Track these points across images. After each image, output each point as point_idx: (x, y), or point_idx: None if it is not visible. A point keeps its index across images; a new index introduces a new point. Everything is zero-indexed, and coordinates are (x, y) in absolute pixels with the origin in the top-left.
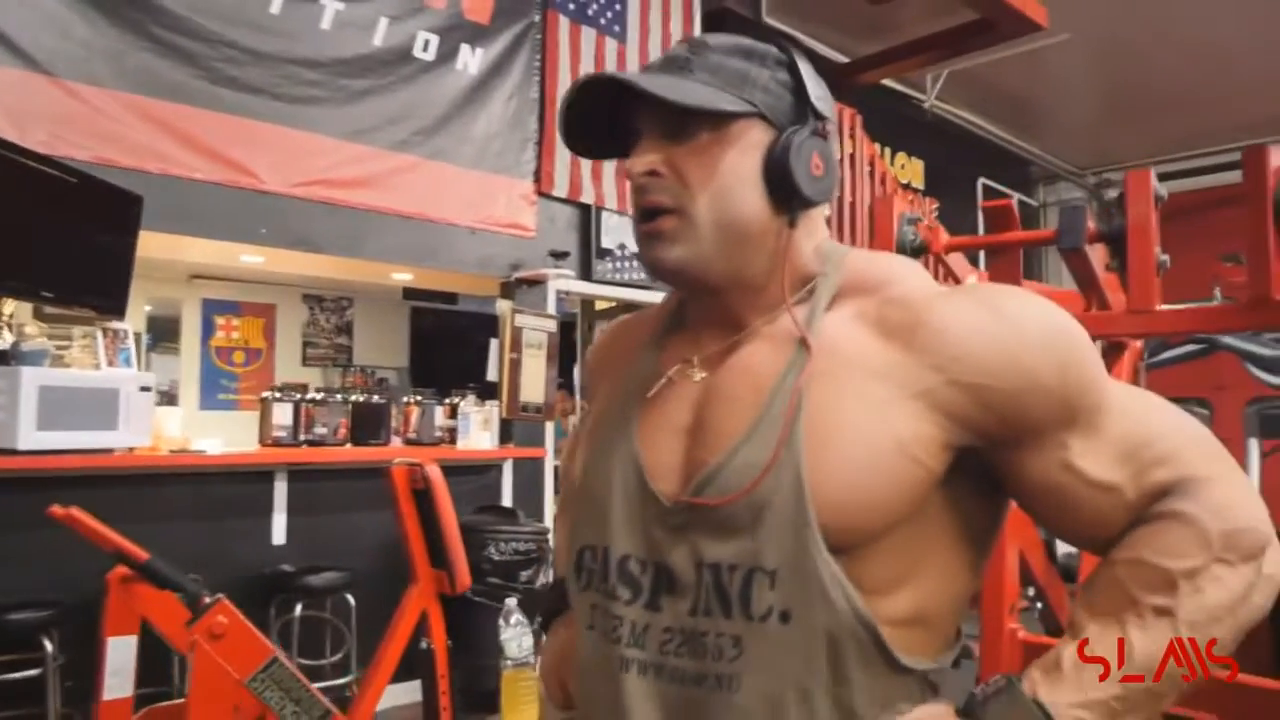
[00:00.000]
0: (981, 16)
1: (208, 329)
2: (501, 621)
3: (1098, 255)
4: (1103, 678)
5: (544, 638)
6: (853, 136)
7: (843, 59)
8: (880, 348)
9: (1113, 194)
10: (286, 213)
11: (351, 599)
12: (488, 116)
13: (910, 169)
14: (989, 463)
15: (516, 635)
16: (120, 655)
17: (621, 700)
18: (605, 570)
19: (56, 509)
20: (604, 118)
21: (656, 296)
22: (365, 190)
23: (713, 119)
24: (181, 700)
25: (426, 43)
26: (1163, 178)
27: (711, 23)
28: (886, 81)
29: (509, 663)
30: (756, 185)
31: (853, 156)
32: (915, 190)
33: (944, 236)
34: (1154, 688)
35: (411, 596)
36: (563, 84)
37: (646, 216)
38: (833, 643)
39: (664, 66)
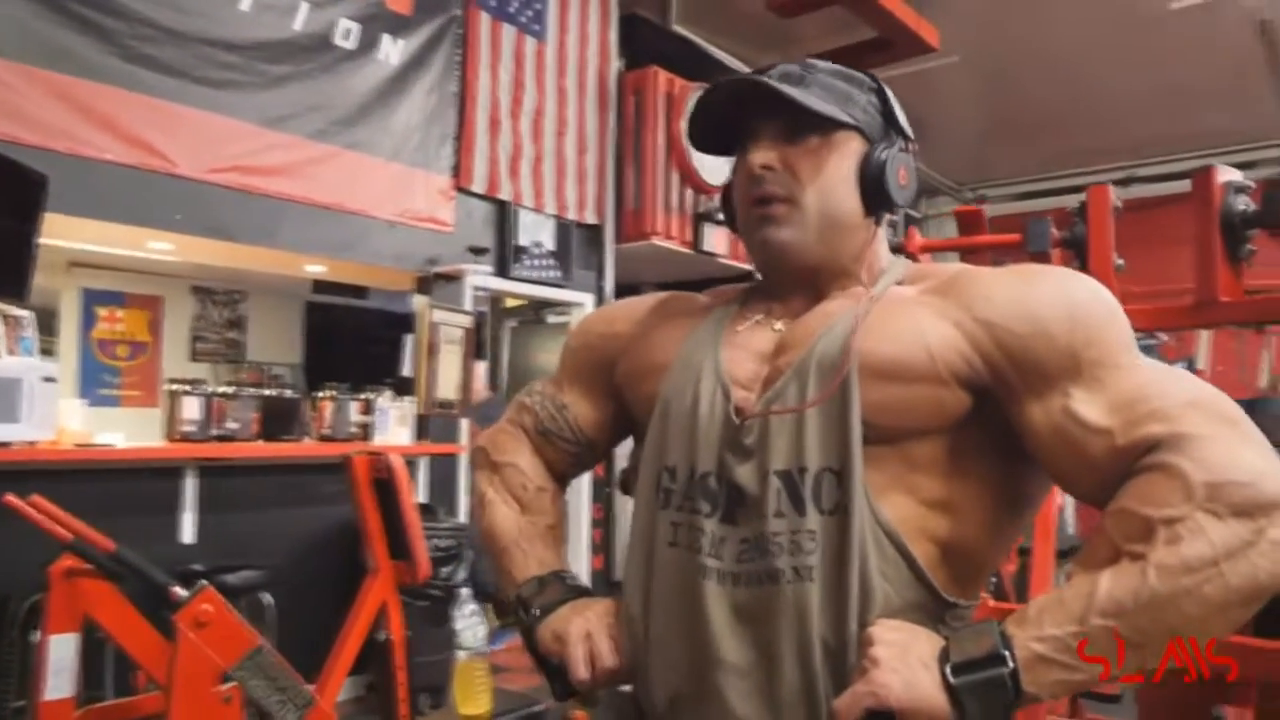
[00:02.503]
0: (879, 35)
1: (88, 320)
2: (455, 612)
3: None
4: (1065, 617)
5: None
6: None
7: (747, 70)
8: (928, 298)
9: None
10: (201, 199)
11: (268, 598)
12: (407, 109)
13: None
14: (1007, 415)
15: (471, 625)
16: (61, 653)
17: (701, 604)
18: (689, 487)
19: (10, 498)
20: (716, 118)
21: (572, 295)
22: (282, 179)
23: (823, 127)
24: (121, 700)
25: (348, 31)
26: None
27: (624, 26)
28: None
29: (463, 653)
30: (853, 187)
31: None
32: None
33: (918, 238)
34: (1117, 629)
35: (371, 588)
36: (482, 79)
37: (762, 203)
38: (873, 538)
39: (783, 78)
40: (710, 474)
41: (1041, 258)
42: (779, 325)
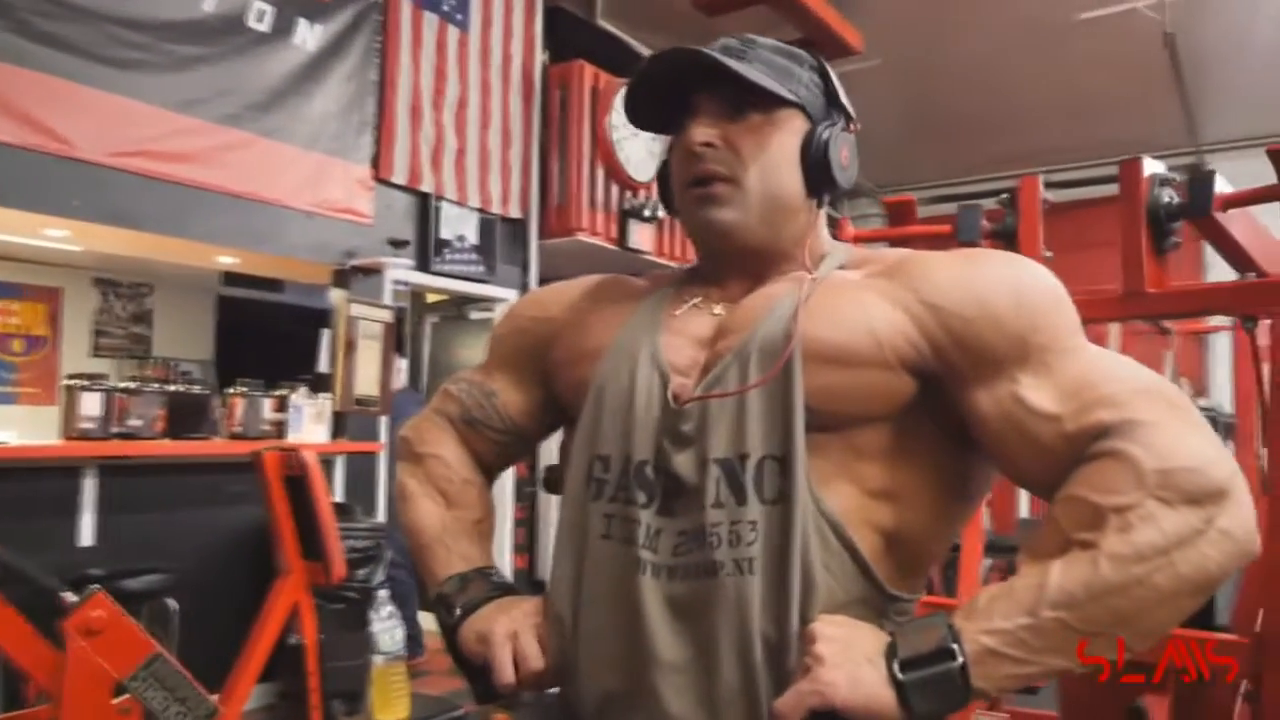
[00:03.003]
0: (804, 36)
1: None
2: (372, 615)
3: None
4: (1015, 609)
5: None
6: None
7: None
8: (874, 282)
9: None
10: (103, 185)
11: (174, 603)
12: (324, 96)
13: None
14: (954, 402)
15: (389, 628)
16: None
17: (636, 599)
18: (624, 477)
19: None
20: (654, 93)
21: (495, 290)
22: (192, 165)
23: (765, 104)
24: (10, 715)
25: (261, 13)
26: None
27: (549, 19)
28: None
29: (380, 657)
30: (795, 167)
31: None
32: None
33: (850, 228)
34: (1067, 620)
35: (282, 589)
36: (403, 68)
37: (701, 182)
38: (816, 529)
39: (725, 52)
40: (647, 463)
41: (971, 247)
42: (718, 309)
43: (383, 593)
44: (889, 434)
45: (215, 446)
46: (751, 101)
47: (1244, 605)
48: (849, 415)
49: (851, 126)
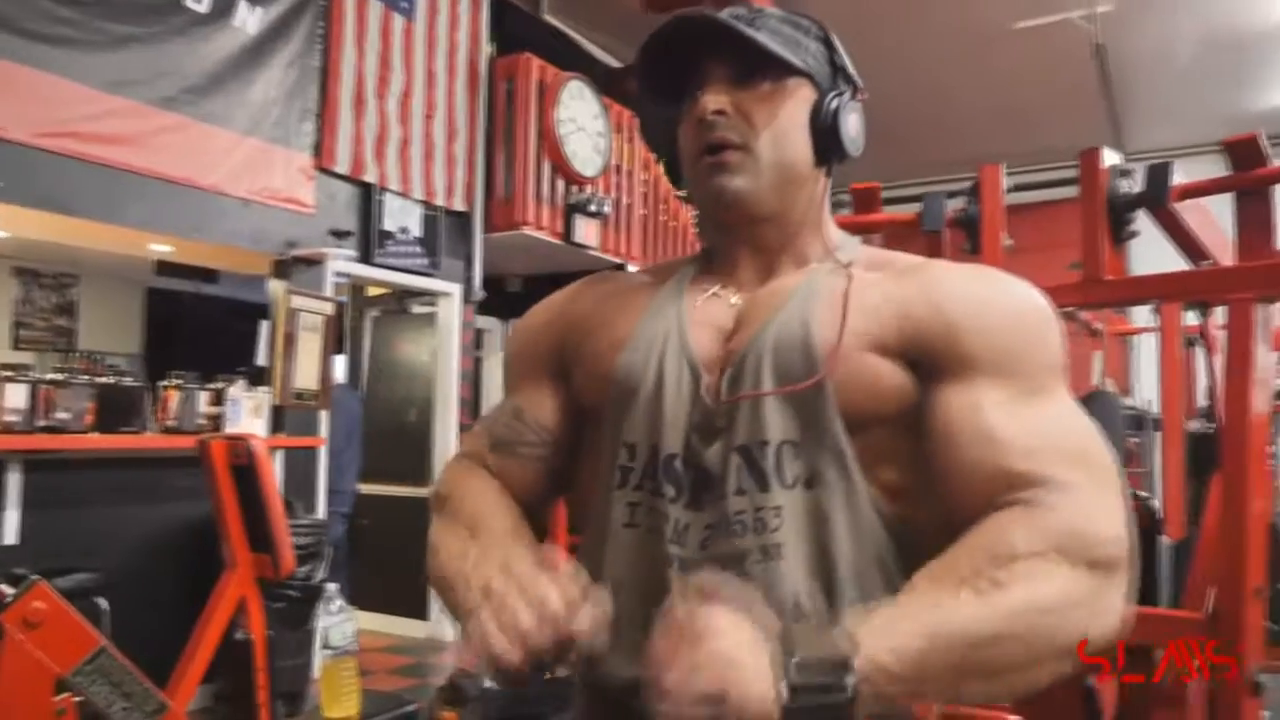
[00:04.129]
0: None
1: None
2: (321, 609)
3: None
4: (914, 632)
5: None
6: (630, 139)
7: (616, 63)
8: (889, 284)
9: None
10: (29, 166)
11: (104, 603)
12: (266, 81)
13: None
14: (923, 395)
15: (338, 623)
16: None
17: (664, 594)
18: (652, 468)
19: None
20: (664, 62)
21: (439, 284)
22: (125, 148)
23: (775, 72)
24: None
25: None
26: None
27: (495, 12)
28: None
29: (330, 652)
30: (805, 134)
31: (630, 156)
32: (678, 195)
33: None
34: (958, 655)
35: (229, 583)
36: (347, 55)
37: (713, 150)
38: (849, 505)
39: (733, 18)
40: (676, 456)
41: (935, 236)
42: (735, 300)
43: (332, 586)
44: (900, 434)
45: (148, 440)
46: (761, 69)
47: (1195, 584)
48: (868, 415)
49: (858, 95)
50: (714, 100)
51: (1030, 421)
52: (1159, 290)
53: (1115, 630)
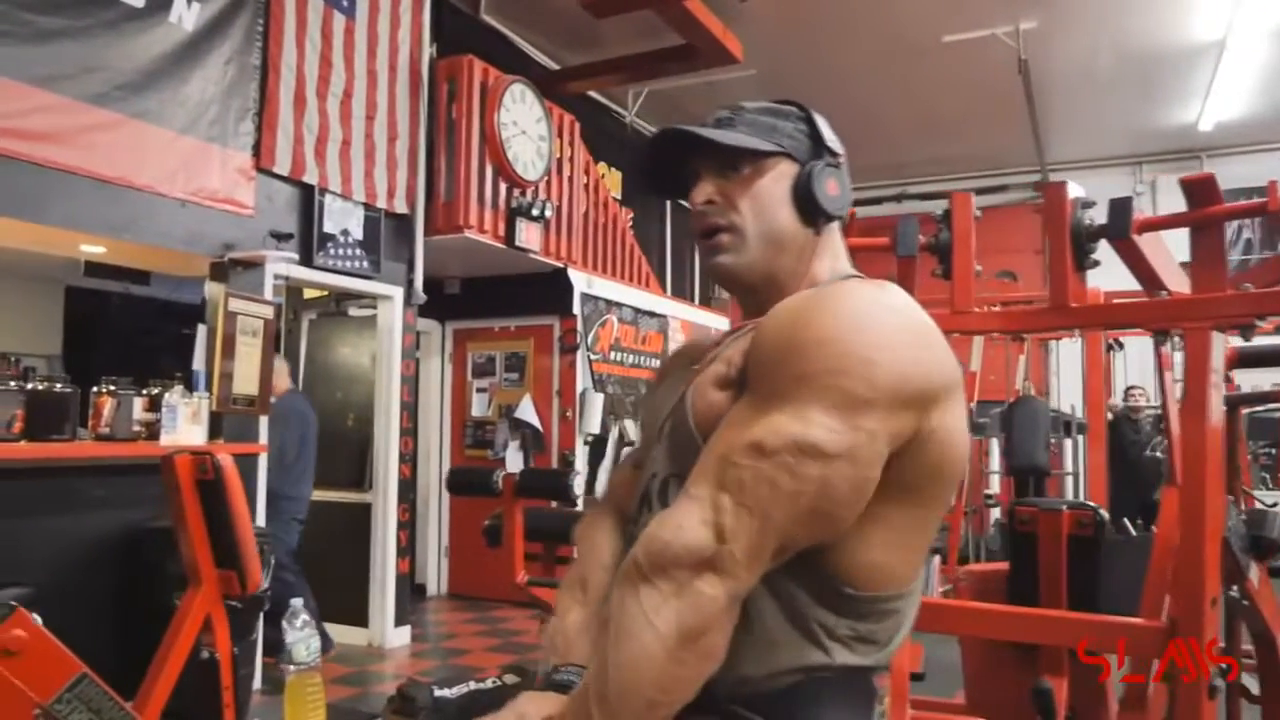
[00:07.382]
0: (686, 42)
1: None
2: (285, 624)
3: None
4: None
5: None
6: (571, 143)
7: (554, 66)
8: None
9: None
10: None
11: (37, 618)
12: (203, 79)
13: (610, 179)
14: None
15: (304, 638)
16: None
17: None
18: (648, 495)
19: None
20: (663, 168)
21: (380, 286)
22: (53, 145)
23: (753, 158)
24: None
25: None
26: None
27: (435, 13)
28: (593, 93)
29: (293, 667)
30: (787, 204)
31: (570, 160)
32: (615, 200)
33: None
34: (597, 699)
35: (193, 601)
36: (287, 53)
37: (708, 234)
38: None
39: (715, 124)
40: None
41: (909, 261)
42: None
43: (296, 601)
44: None
45: (81, 449)
46: (741, 159)
47: (1151, 593)
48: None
49: (836, 161)
50: (701, 192)
51: (734, 424)
52: (1121, 318)
53: (674, 632)
